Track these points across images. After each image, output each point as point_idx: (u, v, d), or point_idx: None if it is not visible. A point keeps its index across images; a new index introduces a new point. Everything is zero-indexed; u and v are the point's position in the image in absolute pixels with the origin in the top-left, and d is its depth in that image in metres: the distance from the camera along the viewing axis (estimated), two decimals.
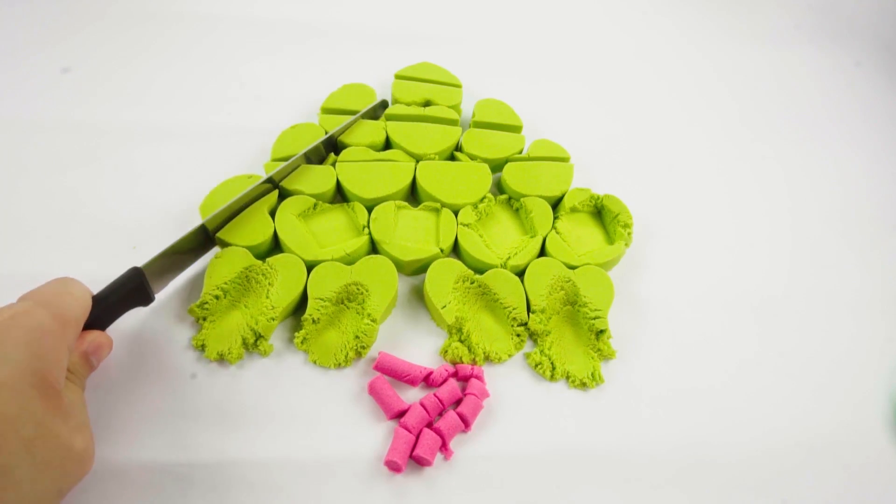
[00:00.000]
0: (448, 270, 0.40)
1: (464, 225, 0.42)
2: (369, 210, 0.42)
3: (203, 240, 0.39)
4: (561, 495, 0.34)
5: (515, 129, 0.48)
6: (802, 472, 0.36)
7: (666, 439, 0.36)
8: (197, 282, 0.39)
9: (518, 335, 0.39)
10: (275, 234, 0.41)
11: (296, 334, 0.37)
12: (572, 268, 0.41)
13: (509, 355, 0.39)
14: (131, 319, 0.37)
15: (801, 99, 0.57)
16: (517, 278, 0.40)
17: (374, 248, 0.42)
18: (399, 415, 0.35)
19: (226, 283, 0.38)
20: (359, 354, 0.37)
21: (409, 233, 0.42)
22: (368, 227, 0.42)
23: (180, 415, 0.35)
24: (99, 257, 0.40)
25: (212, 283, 0.38)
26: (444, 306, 0.39)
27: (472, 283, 0.40)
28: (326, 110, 0.48)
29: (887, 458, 0.37)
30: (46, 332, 0.26)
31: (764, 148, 0.53)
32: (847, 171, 0.52)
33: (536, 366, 0.38)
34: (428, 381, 0.37)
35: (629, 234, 0.43)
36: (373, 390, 0.36)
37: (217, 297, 0.38)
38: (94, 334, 0.31)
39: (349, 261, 0.40)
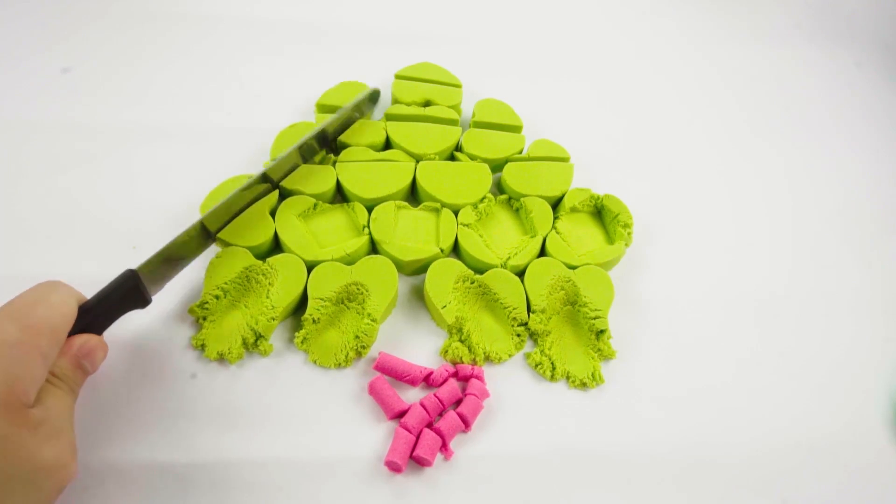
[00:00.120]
0: (448, 270, 0.40)
1: (464, 225, 0.42)
2: (369, 210, 0.42)
3: (201, 238, 0.38)
4: (561, 495, 0.34)
5: (515, 129, 0.48)
6: (803, 471, 0.36)
7: (666, 439, 0.36)
8: (197, 282, 0.39)
9: (518, 335, 0.39)
10: (275, 234, 0.41)
11: (296, 334, 0.37)
12: (572, 268, 0.41)
13: (509, 355, 0.39)
14: (131, 320, 0.37)
15: (801, 99, 0.57)
16: (517, 278, 0.40)
17: (374, 248, 0.42)
18: (399, 415, 0.35)
19: (226, 283, 0.38)
20: (359, 354, 0.37)
21: (409, 233, 0.42)
22: (368, 227, 0.42)
23: (180, 415, 0.35)
24: (99, 257, 0.40)
25: (212, 283, 0.38)
26: (445, 306, 0.39)
27: (472, 283, 0.40)
28: (322, 108, 0.48)
29: (887, 458, 0.37)
30: (12, 345, 0.26)
31: (764, 148, 0.53)
32: (847, 171, 0.52)
33: (536, 366, 0.38)
34: (428, 381, 0.37)
35: (629, 234, 0.43)
36: (373, 390, 0.36)
37: (217, 297, 0.38)
38: (84, 338, 0.30)
39: (349, 261, 0.40)
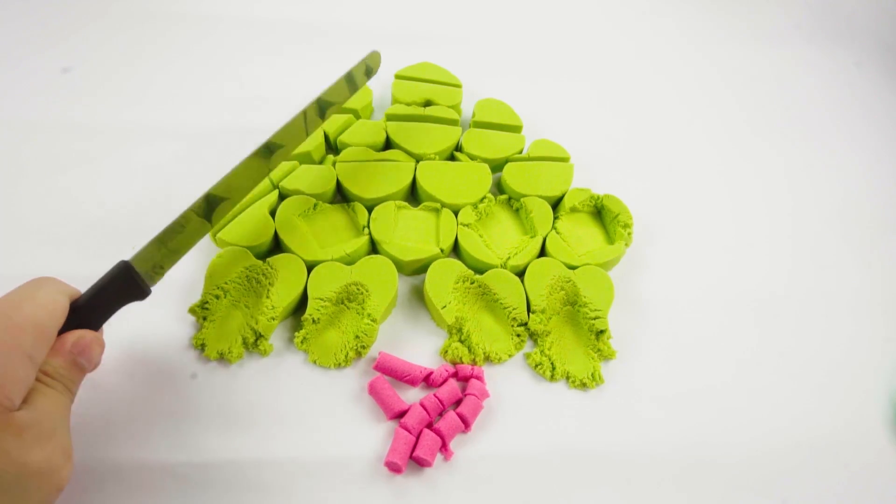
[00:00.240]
0: (448, 270, 0.40)
1: (464, 225, 0.42)
2: (369, 210, 0.42)
3: (199, 219, 0.35)
4: (561, 495, 0.34)
5: (515, 129, 0.48)
6: (803, 471, 0.36)
7: (666, 439, 0.36)
8: (197, 282, 0.39)
9: (518, 335, 0.39)
10: (275, 234, 0.41)
11: (296, 334, 0.37)
12: (572, 268, 0.41)
13: (509, 355, 0.39)
14: (131, 319, 0.37)
15: (801, 99, 0.57)
16: (517, 278, 0.40)
17: (374, 248, 0.42)
18: (399, 415, 0.35)
19: (226, 283, 0.38)
20: (359, 354, 0.37)
21: (409, 233, 0.42)
22: (368, 227, 0.42)
23: (180, 415, 0.35)
24: (99, 257, 0.40)
25: (212, 283, 0.38)
26: (444, 306, 0.39)
27: (472, 283, 0.40)
28: None
29: (887, 458, 0.37)
30: None
31: (764, 148, 0.53)
32: (847, 171, 0.52)
33: (536, 366, 0.38)
34: (428, 381, 0.37)
35: (629, 234, 0.43)
36: (373, 390, 0.36)
37: (217, 297, 0.38)
38: (77, 334, 0.29)
39: (349, 261, 0.40)
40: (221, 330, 0.37)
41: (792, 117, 0.55)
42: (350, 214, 0.43)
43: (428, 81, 0.50)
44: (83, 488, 0.32)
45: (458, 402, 0.36)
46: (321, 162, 0.46)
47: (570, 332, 0.40)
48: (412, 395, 0.37)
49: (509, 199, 0.45)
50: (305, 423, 0.35)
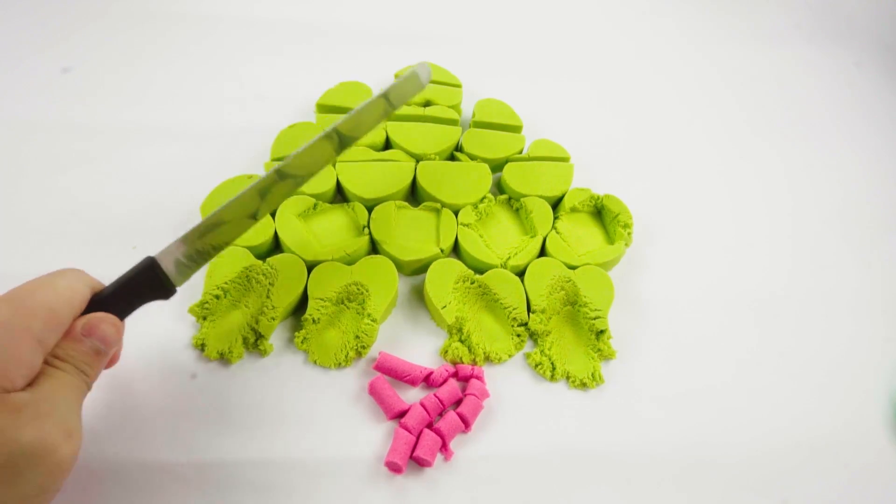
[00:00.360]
0: (448, 270, 0.40)
1: (464, 225, 0.42)
2: (369, 210, 0.42)
3: (246, 215, 0.32)
4: (561, 495, 0.34)
5: (515, 129, 0.48)
6: (803, 471, 0.36)
7: (666, 439, 0.36)
8: (197, 282, 0.39)
9: (518, 335, 0.39)
10: (275, 234, 0.41)
11: (296, 334, 0.37)
12: (572, 268, 0.41)
13: (509, 355, 0.39)
14: (131, 319, 0.37)
15: (801, 99, 0.57)
16: (517, 278, 0.40)
17: (374, 248, 0.42)
18: (399, 415, 0.35)
19: (226, 283, 0.38)
20: (359, 354, 0.37)
21: (409, 233, 0.42)
22: (368, 227, 0.42)
23: (180, 415, 0.35)
24: (99, 257, 0.40)
25: (212, 283, 0.38)
26: (445, 306, 0.39)
27: (472, 283, 0.40)
28: (322, 108, 0.48)
29: (887, 457, 0.37)
30: (0, 327, 0.25)
31: (764, 148, 0.53)
32: (847, 171, 0.52)
33: (536, 366, 0.38)
34: (428, 381, 0.37)
35: (629, 234, 0.43)
36: (373, 390, 0.36)
37: (217, 297, 0.38)
38: (89, 315, 0.28)
39: (349, 261, 0.40)
40: (221, 330, 0.37)
41: (792, 117, 0.55)
42: (350, 214, 0.43)
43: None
44: (83, 488, 0.32)
45: (458, 402, 0.36)
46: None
47: (570, 332, 0.40)
48: (412, 395, 0.37)
49: (509, 199, 0.45)
50: (305, 423, 0.35)
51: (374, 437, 0.35)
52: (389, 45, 0.56)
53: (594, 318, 0.39)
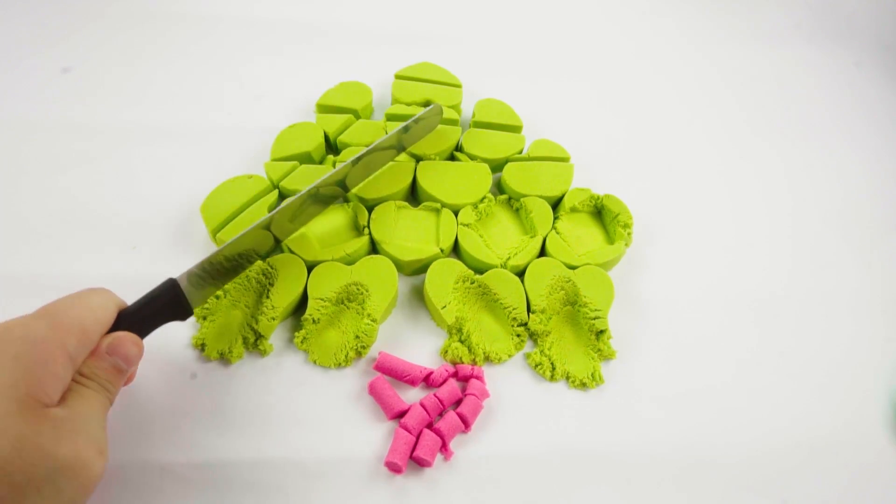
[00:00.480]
0: (448, 270, 0.40)
1: (464, 225, 0.42)
2: (369, 210, 0.42)
3: (266, 244, 0.37)
4: (561, 495, 0.34)
5: (515, 129, 0.48)
6: (803, 471, 0.36)
7: (666, 439, 0.36)
8: None
9: (518, 335, 0.39)
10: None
11: (296, 334, 0.37)
12: (572, 268, 0.41)
13: (509, 355, 0.39)
14: None
15: (801, 99, 0.57)
16: (517, 278, 0.40)
17: (374, 248, 0.42)
18: (399, 415, 0.35)
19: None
20: (359, 354, 0.37)
21: (409, 233, 0.42)
22: (368, 227, 0.42)
23: (180, 415, 0.35)
24: (99, 257, 0.40)
25: None
26: (444, 306, 0.39)
27: (472, 283, 0.40)
28: (322, 108, 0.48)
29: (887, 458, 0.37)
30: (38, 343, 0.26)
31: (764, 148, 0.53)
32: (847, 171, 0.52)
33: (536, 366, 0.38)
34: (428, 381, 0.37)
35: (629, 234, 0.43)
36: (373, 390, 0.36)
37: (217, 297, 0.38)
38: (114, 335, 0.29)
39: (349, 261, 0.40)
40: (221, 330, 0.37)
41: (792, 117, 0.55)
42: (350, 214, 0.43)
43: (428, 81, 0.50)
44: None
45: (458, 402, 0.36)
46: (321, 162, 0.46)
47: (570, 332, 0.40)
48: (412, 395, 0.37)
49: (509, 199, 0.45)
50: (305, 423, 0.35)
51: (374, 437, 0.35)
52: (389, 45, 0.56)
53: (594, 318, 0.39)
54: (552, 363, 0.38)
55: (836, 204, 0.49)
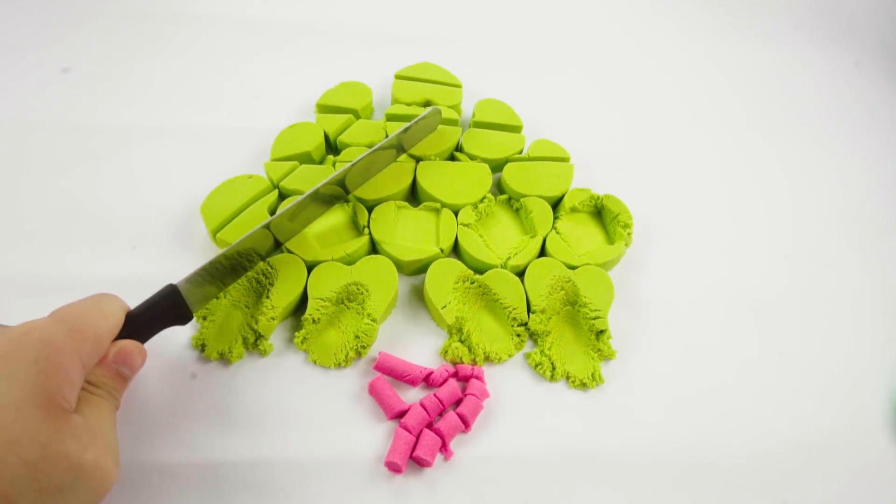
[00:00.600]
0: (448, 270, 0.40)
1: (464, 225, 0.42)
2: (369, 210, 0.42)
3: (267, 248, 0.38)
4: (561, 495, 0.34)
5: (515, 129, 0.48)
6: (803, 472, 0.36)
7: (666, 439, 0.36)
8: None
9: (518, 335, 0.39)
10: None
11: (296, 334, 0.37)
12: (572, 268, 0.41)
13: (509, 355, 0.39)
14: None
15: (801, 99, 0.57)
16: (517, 278, 0.40)
17: (374, 248, 0.42)
18: (399, 415, 0.35)
19: None
20: (359, 354, 0.37)
21: (409, 233, 0.42)
22: (368, 227, 0.42)
23: (180, 415, 0.35)
24: (99, 257, 0.40)
25: None
26: (444, 306, 0.39)
27: (472, 283, 0.40)
28: (322, 108, 0.48)
29: (888, 458, 0.37)
30: (57, 348, 0.26)
31: (764, 148, 0.53)
32: (847, 171, 0.52)
33: (536, 366, 0.38)
34: (428, 381, 0.37)
35: (629, 234, 0.43)
36: (373, 390, 0.36)
37: (217, 297, 0.38)
38: (121, 343, 0.30)
39: (349, 261, 0.40)
40: (221, 330, 0.37)
41: (792, 117, 0.55)
42: (350, 214, 0.43)
43: (428, 81, 0.50)
44: None
45: (458, 402, 0.36)
46: (321, 162, 0.46)
47: (570, 332, 0.40)
48: (412, 395, 0.37)
49: (509, 199, 0.45)
50: (305, 423, 0.35)
51: (374, 437, 0.35)
52: (389, 45, 0.56)
53: (594, 318, 0.39)
54: (552, 363, 0.38)
55: (836, 204, 0.49)
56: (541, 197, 0.44)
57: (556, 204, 0.45)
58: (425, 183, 0.43)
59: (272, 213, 0.42)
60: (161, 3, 0.57)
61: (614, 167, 0.49)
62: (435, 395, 0.36)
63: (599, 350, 0.39)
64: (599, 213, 0.45)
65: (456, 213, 0.43)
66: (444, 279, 0.40)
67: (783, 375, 0.40)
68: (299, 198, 0.38)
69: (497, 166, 0.46)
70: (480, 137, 0.47)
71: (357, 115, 0.48)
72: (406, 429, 0.34)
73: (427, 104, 0.49)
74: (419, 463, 0.34)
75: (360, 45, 0.56)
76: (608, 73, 0.57)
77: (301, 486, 0.33)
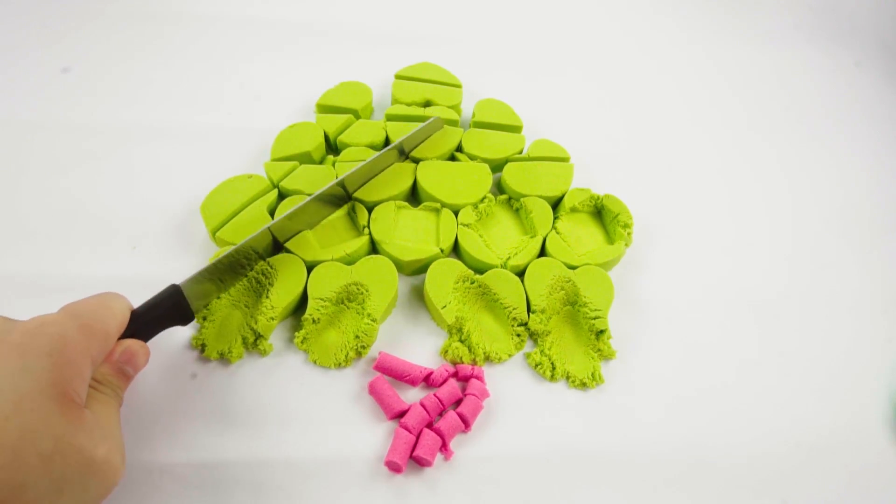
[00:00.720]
0: (448, 270, 0.40)
1: (464, 225, 0.42)
2: (369, 210, 0.42)
3: (265, 250, 0.38)
4: (561, 495, 0.34)
5: (515, 129, 0.48)
6: (803, 472, 0.36)
7: (666, 439, 0.36)
8: None
9: (518, 335, 0.39)
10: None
11: (296, 334, 0.37)
12: (572, 268, 0.41)
13: (509, 355, 0.39)
14: None
15: (801, 99, 0.57)
16: (517, 278, 0.40)
17: (374, 248, 0.42)
18: (399, 415, 0.35)
19: None
20: (359, 354, 0.37)
21: (409, 233, 0.42)
22: (368, 227, 0.42)
23: (180, 415, 0.35)
24: (99, 257, 0.40)
25: None
26: (445, 306, 0.39)
27: (472, 283, 0.40)
28: (322, 108, 0.48)
29: (888, 458, 0.37)
30: (69, 343, 0.26)
31: (764, 148, 0.53)
32: (847, 171, 0.52)
33: (536, 366, 0.38)
34: (428, 381, 0.37)
35: (629, 234, 0.43)
36: (373, 390, 0.36)
37: (217, 297, 0.38)
38: (126, 342, 0.30)
39: (349, 261, 0.40)
40: (221, 330, 0.37)
41: (792, 117, 0.55)
42: (350, 214, 0.43)
43: (428, 81, 0.50)
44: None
45: (458, 402, 0.36)
46: (321, 162, 0.46)
47: (570, 332, 0.40)
48: (412, 395, 0.37)
49: (509, 199, 0.45)
50: (305, 423, 0.35)
51: (374, 437, 0.35)
52: (389, 45, 0.56)
53: (594, 318, 0.39)
54: (552, 363, 0.38)
55: (836, 204, 0.49)
56: (541, 197, 0.44)
57: (556, 204, 0.45)
58: (425, 183, 0.43)
59: (272, 212, 0.42)
60: (161, 3, 0.57)
61: (614, 167, 0.49)
62: (435, 394, 0.36)
63: (599, 350, 0.39)
64: (599, 213, 0.45)
65: (456, 213, 0.43)
66: (444, 279, 0.40)
67: (783, 375, 0.40)
68: (302, 202, 0.38)
69: (497, 166, 0.46)
70: (480, 137, 0.47)
71: (357, 115, 0.48)
72: (406, 428, 0.34)
73: (427, 104, 0.49)
74: (419, 462, 0.34)
75: (360, 45, 0.56)
76: (608, 73, 0.57)
77: (301, 485, 0.33)
